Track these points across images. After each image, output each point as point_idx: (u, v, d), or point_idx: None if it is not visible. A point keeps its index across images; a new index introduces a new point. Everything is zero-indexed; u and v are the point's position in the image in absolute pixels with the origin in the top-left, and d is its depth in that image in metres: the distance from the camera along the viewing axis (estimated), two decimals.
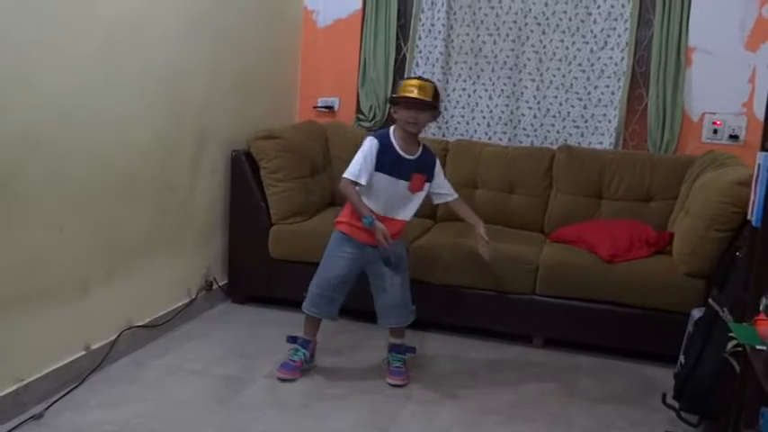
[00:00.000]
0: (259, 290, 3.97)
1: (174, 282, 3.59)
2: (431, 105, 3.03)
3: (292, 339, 3.25)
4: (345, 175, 3.03)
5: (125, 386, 2.96)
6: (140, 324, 3.31)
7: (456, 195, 3.28)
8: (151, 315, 3.40)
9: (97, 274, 3.02)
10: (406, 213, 3.13)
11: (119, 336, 3.16)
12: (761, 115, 2.70)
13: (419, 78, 3.14)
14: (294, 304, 3.84)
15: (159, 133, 3.31)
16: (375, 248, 3.06)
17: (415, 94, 3.00)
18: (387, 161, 3.03)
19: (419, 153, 3.11)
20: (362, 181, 2.99)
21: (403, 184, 3.07)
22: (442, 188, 3.24)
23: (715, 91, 4.09)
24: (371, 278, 3.17)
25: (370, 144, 3.03)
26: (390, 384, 3.13)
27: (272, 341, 3.50)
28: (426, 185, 3.14)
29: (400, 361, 3.21)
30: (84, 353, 2.97)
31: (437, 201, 3.29)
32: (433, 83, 3.10)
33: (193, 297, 3.72)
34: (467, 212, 3.28)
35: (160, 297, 3.48)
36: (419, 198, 3.14)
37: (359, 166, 3.00)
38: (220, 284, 3.96)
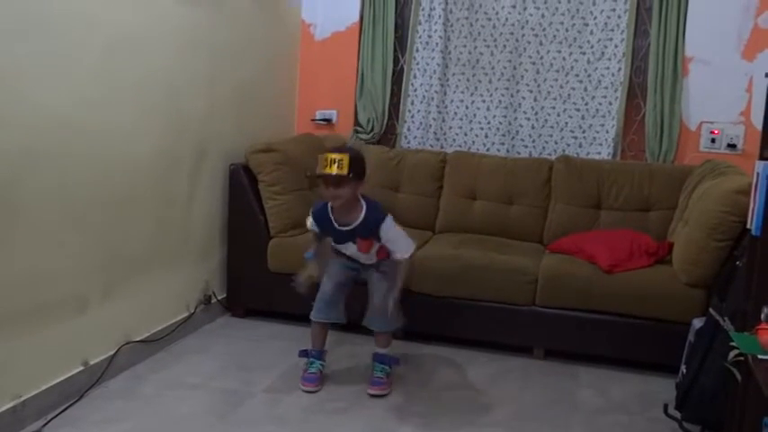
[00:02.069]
0: (258, 303, 3.95)
1: (173, 296, 3.58)
2: (345, 179, 2.92)
3: (304, 353, 3.28)
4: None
5: (124, 401, 2.94)
6: (139, 339, 3.30)
7: (404, 258, 3.11)
8: (150, 329, 3.39)
9: (95, 288, 3.01)
10: (368, 258, 3.16)
11: (117, 350, 3.15)
12: (758, 124, 2.71)
13: (336, 151, 2.99)
14: (293, 317, 3.85)
15: (158, 147, 3.31)
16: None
17: (328, 169, 2.92)
18: (327, 230, 3.14)
19: (359, 220, 3.04)
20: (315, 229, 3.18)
21: (351, 245, 3.12)
22: (395, 246, 3.10)
23: (712, 100, 4.10)
24: (368, 281, 3.23)
25: (309, 224, 3.19)
26: (370, 395, 3.13)
27: (271, 355, 3.49)
28: (376, 243, 3.10)
29: (382, 371, 3.21)
30: (82, 368, 2.96)
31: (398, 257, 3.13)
32: (350, 151, 3.01)
33: (192, 311, 3.71)
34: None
35: (159, 311, 3.47)
36: (373, 250, 3.12)
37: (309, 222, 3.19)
38: (219, 298, 3.95)
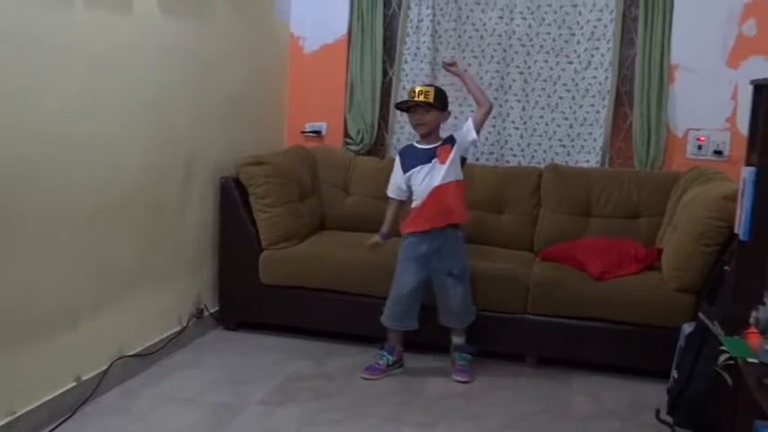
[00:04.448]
0: (250, 316, 3.96)
1: (165, 310, 3.58)
2: (432, 106, 3.37)
3: (381, 346, 3.51)
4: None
5: (117, 416, 2.94)
6: (131, 353, 3.29)
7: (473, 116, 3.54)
8: (142, 344, 3.38)
9: (87, 303, 3.01)
10: (445, 177, 3.40)
11: (110, 366, 3.14)
12: (744, 131, 2.74)
13: (423, 85, 3.59)
14: (286, 329, 3.85)
15: (147, 161, 3.32)
16: (439, 260, 3.40)
17: (415, 98, 3.38)
18: (411, 158, 3.47)
19: (440, 141, 3.46)
20: (390, 192, 3.55)
21: (434, 163, 3.41)
22: (469, 130, 3.46)
23: (698, 108, 4.14)
24: (436, 285, 3.45)
25: (396, 159, 3.57)
26: (457, 381, 3.40)
27: (264, 367, 3.49)
28: (453, 150, 3.42)
29: (464, 359, 3.47)
30: (75, 384, 2.95)
31: (476, 133, 3.48)
32: (436, 87, 3.49)
33: (184, 325, 3.71)
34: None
35: (151, 325, 3.46)
36: (451, 165, 3.42)
37: (390, 180, 3.57)
38: (211, 311, 3.95)
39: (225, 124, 3.97)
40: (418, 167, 3.43)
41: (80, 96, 2.87)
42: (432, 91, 3.39)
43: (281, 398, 3.19)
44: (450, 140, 3.47)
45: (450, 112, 3.60)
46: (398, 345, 3.51)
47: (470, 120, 3.51)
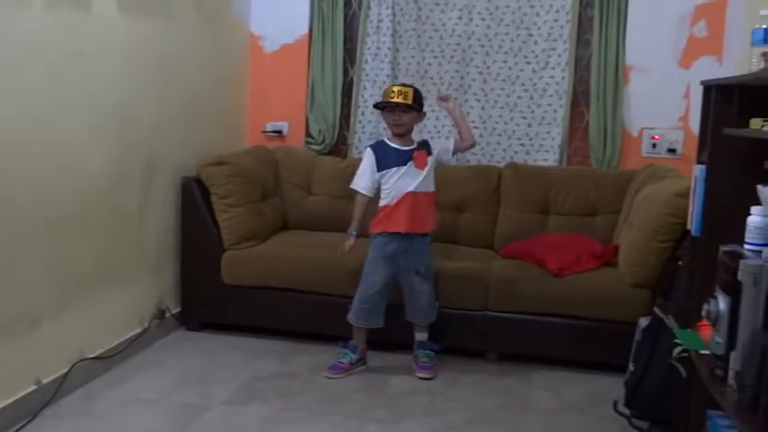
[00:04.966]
0: (213, 316, 3.94)
1: (127, 311, 3.55)
2: (411, 107, 3.41)
3: (344, 344, 3.53)
4: (351, 185, 3.56)
5: (78, 419, 2.91)
6: (93, 356, 3.27)
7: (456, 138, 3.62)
8: (104, 346, 3.36)
9: (48, 307, 2.98)
10: (421, 185, 3.44)
11: (71, 368, 3.11)
12: (696, 130, 2.82)
13: (401, 84, 3.57)
14: (249, 329, 3.85)
15: (108, 163, 3.30)
16: (406, 259, 3.44)
17: (394, 98, 3.40)
18: (385, 157, 3.46)
19: (415, 144, 3.51)
20: (360, 188, 3.50)
21: (407, 165, 3.43)
22: (447, 151, 3.56)
23: (652, 107, 4.24)
24: (404, 283, 3.50)
25: (366, 154, 3.52)
26: (420, 378, 3.43)
27: (228, 367, 3.49)
28: (430, 158, 3.48)
29: (427, 356, 3.51)
30: (35, 387, 2.92)
31: (452, 156, 3.60)
32: (414, 87, 3.50)
33: (146, 326, 3.68)
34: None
35: (112, 327, 3.44)
36: (427, 173, 3.47)
37: (359, 175, 3.53)
38: (173, 312, 3.92)
39: (186, 125, 3.95)
40: (394, 169, 3.43)
41: (38, 99, 2.84)
42: (410, 92, 3.42)
43: (246, 397, 3.19)
44: (426, 147, 3.51)
45: (425, 113, 3.63)
46: (362, 342, 3.53)
47: (452, 142, 3.59)
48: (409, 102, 3.40)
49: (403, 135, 3.48)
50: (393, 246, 3.43)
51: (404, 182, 3.42)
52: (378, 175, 3.47)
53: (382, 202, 3.49)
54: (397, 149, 3.47)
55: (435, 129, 4.54)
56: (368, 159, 3.51)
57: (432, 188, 3.50)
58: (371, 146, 3.59)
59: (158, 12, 3.64)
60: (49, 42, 2.87)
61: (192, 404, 3.09)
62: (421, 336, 3.55)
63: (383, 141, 3.59)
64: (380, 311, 3.50)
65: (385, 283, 3.46)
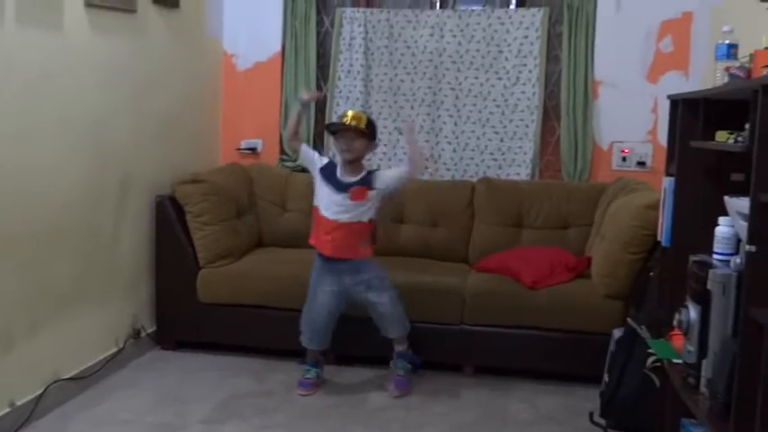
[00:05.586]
0: (189, 335, 3.92)
1: (101, 331, 3.52)
2: (362, 133, 3.29)
3: (301, 362, 3.51)
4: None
5: None
6: (67, 376, 3.24)
7: (405, 169, 3.44)
8: (78, 367, 3.32)
9: (21, 326, 2.95)
10: (353, 218, 3.32)
11: (45, 390, 3.08)
12: (664, 143, 2.88)
13: (355, 111, 3.48)
14: (225, 348, 3.83)
15: (81, 181, 3.28)
16: (353, 276, 3.36)
17: (347, 121, 3.30)
18: (329, 175, 3.36)
19: (360, 177, 3.36)
20: (303, 147, 3.47)
21: (343, 195, 3.31)
22: (389, 184, 3.39)
23: (622, 121, 4.32)
24: (359, 302, 3.41)
25: (317, 155, 3.47)
26: (392, 397, 3.39)
27: (204, 386, 3.47)
28: (369, 193, 3.33)
29: (404, 368, 3.48)
30: (8, 410, 2.89)
31: (393, 190, 3.46)
32: (369, 116, 3.45)
33: (121, 346, 3.65)
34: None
35: (87, 347, 3.41)
36: (362, 206, 3.33)
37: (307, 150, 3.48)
38: (148, 332, 3.89)
39: (160, 143, 3.95)
40: (328, 189, 3.34)
41: (11, 118, 2.83)
42: (364, 118, 3.33)
43: (223, 416, 3.17)
44: (369, 181, 3.35)
45: (377, 144, 3.55)
46: (320, 356, 3.55)
47: (397, 173, 3.45)
48: (361, 126, 3.29)
49: (352, 162, 3.34)
50: (336, 283, 3.39)
51: (335, 211, 3.32)
52: (318, 177, 3.38)
53: (317, 212, 3.39)
54: (339, 179, 3.34)
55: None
56: (316, 155, 3.46)
57: (369, 216, 3.37)
58: (325, 159, 3.48)
59: (131, 30, 3.64)
60: (21, 61, 2.86)
61: (168, 424, 3.07)
62: (399, 346, 3.50)
63: (334, 164, 3.43)
64: (327, 334, 3.47)
65: (330, 308, 3.41)
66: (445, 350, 3.69)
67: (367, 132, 3.32)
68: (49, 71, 3.03)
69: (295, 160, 4.59)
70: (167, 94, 4.01)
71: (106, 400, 3.27)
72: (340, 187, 3.33)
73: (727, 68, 2.26)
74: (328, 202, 3.34)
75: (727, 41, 2.33)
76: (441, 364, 3.70)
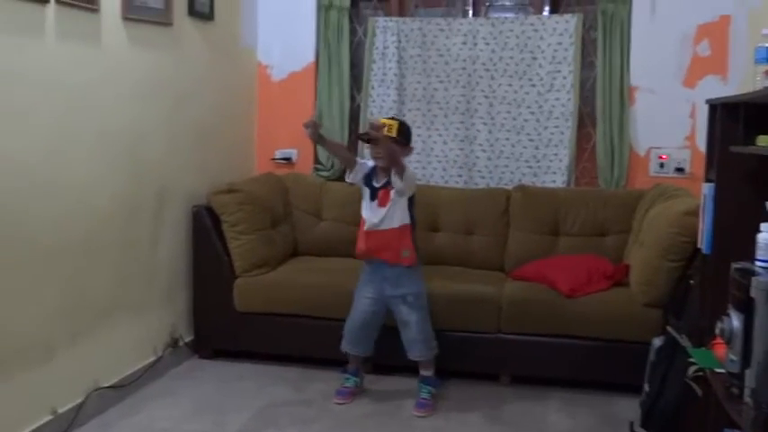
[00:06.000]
0: (226, 344, 3.95)
1: (140, 340, 3.57)
2: (393, 139, 3.26)
3: (343, 370, 3.55)
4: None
5: None
6: (107, 385, 3.28)
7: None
8: (118, 375, 3.37)
9: (62, 336, 2.99)
10: (383, 223, 3.35)
11: (86, 398, 3.13)
12: (703, 148, 2.84)
13: (387, 118, 3.42)
14: (262, 356, 3.85)
15: (119, 194, 3.33)
16: (392, 287, 3.38)
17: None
18: (367, 182, 3.41)
19: (386, 180, 3.36)
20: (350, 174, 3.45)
21: (374, 202, 3.38)
22: (395, 177, 3.33)
23: (659, 127, 4.26)
24: (394, 314, 3.43)
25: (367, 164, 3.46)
26: (415, 416, 3.33)
27: (241, 395, 3.49)
28: (392, 192, 3.34)
29: (427, 392, 3.42)
30: (51, 417, 2.93)
31: (403, 187, 3.35)
32: (401, 121, 3.45)
33: (160, 355, 3.70)
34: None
35: (126, 357, 3.45)
36: (389, 209, 3.35)
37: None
38: (186, 341, 3.94)
39: (196, 154, 4.00)
40: (366, 197, 3.41)
41: (51, 133, 2.88)
42: (395, 125, 3.28)
43: (260, 425, 3.19)
44: (389, 182, 3.36)
45: (412, 149, 3.52)
46: (360, 364, 3.57)
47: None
48: (393, 134, 3.25)
49: (386, 169, 3.34)
50: (377, 292, 3.42)
51: (370, 218, 3.38)
52: (362, 183, 3.42)
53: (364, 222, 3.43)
54: (373, 184, 3.39)
55: (443, 153, 4.57)
56: (366, 164, 3.46)
57: (403, 221, 3.36)
58: (366, 166, 3.46)
59: (167, 43, 3.70)
60: (62, 76, 2.92)
61: None
62: (424, 371, 3.47)
63: (372, 171, 3.43)
64: (370, 340, 3.51)
65: (370, 313, 3.45)
66: (481, 359, 3.67)
67: (398, 138, 3.30)
68: (88, 85, 3.09)
69: (329, 169, 4.61)
70: (203, 105, 4.06)
71: (145, 409, 3.31)
72: (372, 195, 3.40)
73: (767, 72, 2.22)
74: (366, 209, 3.42)
75: (766, 45, 2.29)
76: (477, 373, 3.68)
